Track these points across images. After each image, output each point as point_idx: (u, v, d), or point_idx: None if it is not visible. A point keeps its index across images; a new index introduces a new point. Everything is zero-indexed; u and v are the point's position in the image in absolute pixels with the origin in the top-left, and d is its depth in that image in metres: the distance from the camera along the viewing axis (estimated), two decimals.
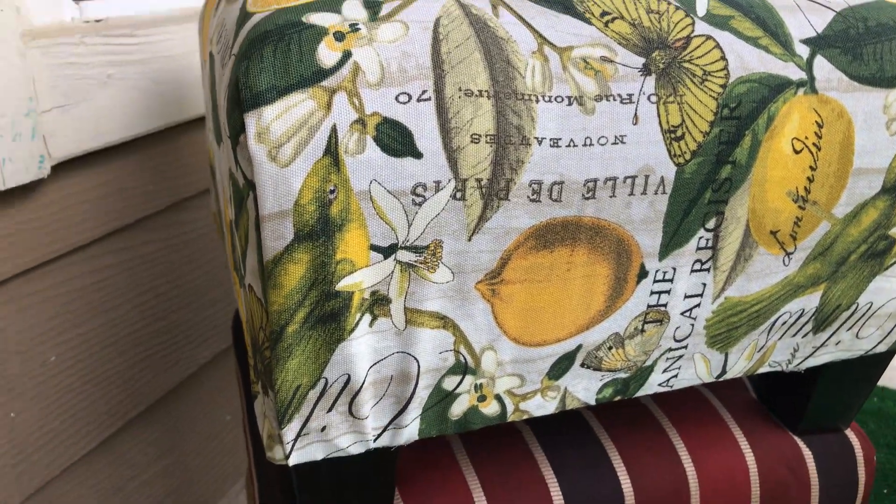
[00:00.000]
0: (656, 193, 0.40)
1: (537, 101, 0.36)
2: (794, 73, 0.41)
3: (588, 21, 0.38)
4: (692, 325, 0.45)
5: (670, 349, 0.46)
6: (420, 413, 0.41)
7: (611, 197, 0.39)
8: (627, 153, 0.38)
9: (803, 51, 0.41)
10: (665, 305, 0.44)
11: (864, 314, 0.50)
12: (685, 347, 0.46)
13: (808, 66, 0.41)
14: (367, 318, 0.37)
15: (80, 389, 0.71)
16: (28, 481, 0.66)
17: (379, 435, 0.41)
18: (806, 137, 0.42)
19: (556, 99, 0.36)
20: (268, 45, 0.33)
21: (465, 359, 0.40)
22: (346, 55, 0.33)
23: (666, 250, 0.42)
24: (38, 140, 0.59)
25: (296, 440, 0.39)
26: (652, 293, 0.43)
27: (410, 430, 0.41)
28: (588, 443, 0.55)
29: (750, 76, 0.40)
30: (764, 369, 0.51)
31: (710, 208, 0.41)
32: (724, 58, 0.40)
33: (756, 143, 0.41)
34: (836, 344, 0.51)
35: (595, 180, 0.38)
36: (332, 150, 0.33)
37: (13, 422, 0.64)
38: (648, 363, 0.46)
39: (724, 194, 0.41)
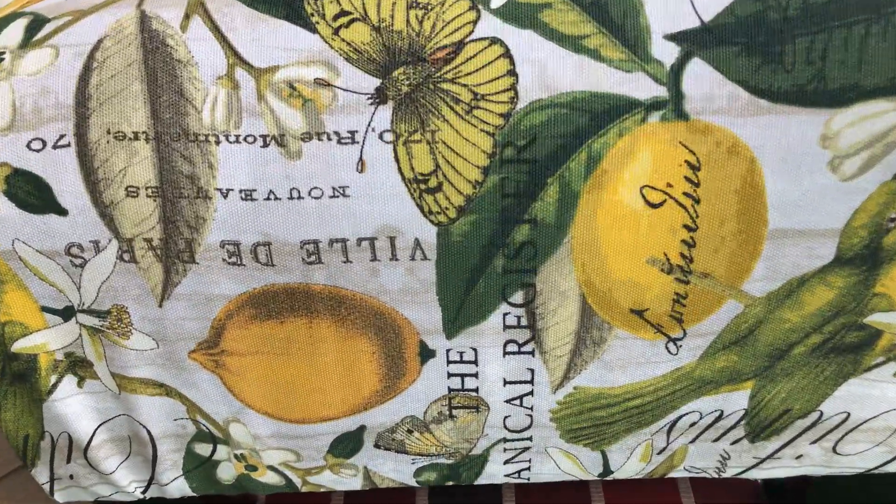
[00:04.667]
0: (413, 259, 0.29)
1: (218, 142, 0.28)
2: (644, 89, 0.27)
3: (313, 28, 0.28)
4: (529, 415, 0.34)
5: (505, 440, 0.35)
6: (182, 474, 0.37)
7: (345, 262, 0.30)
8: (355, 209, 0.28)
9: (666, 52, 0.27)
10: (476, 391, 0.33)
11: (837, 426, 0.34)
12: (528, 440, 0.35)
13: (673, 78, 0.27)
14: (73, 379, 0.33)
15: None
16: None
17: (145, 488, 0.37)
18: (669, 185, 0.28)
19: (245, 139, 0.28)
20: None
21: (207, 428, 0.35)
22: None
23: (454, 327, 0.31)
24: None
25: (51, 482, 0.37)
26: (451, 375, 0.33)
27: (179, 487, 0.37)
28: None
29: (555, 98, 0.27)
30: (678, 473, 0.37)
31: (509, 279, 0.30)
32: (512, 72, 0.27)
33: (570, 195, 0.28)
34: (798, 458, 0.36)
35: (315, 242, 0.29)
36: None
37: None
38: (477, 452, 0.36)
39: (529, 262, 0.29)
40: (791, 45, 0.26)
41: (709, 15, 0.27)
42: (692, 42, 0.27)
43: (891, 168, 0.27)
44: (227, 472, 0.37)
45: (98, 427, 0.35)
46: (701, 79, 0.27)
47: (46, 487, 0.37)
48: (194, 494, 0.38)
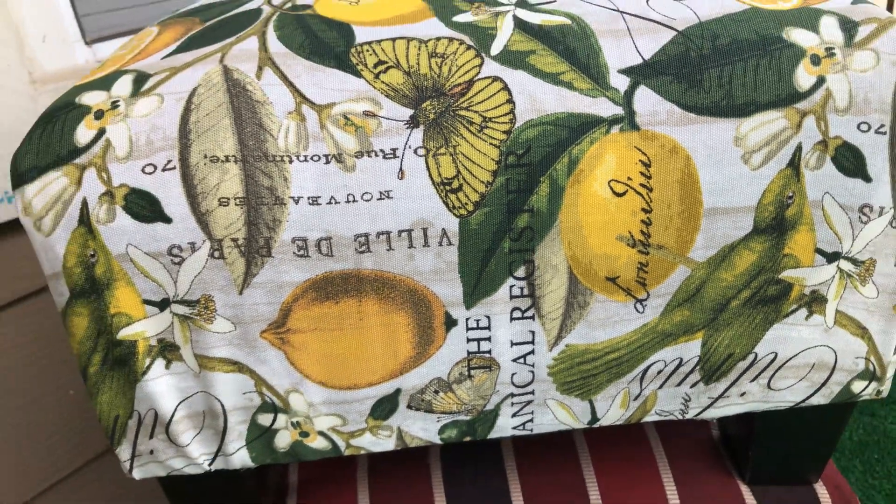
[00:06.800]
0: (441, 245, 0.38)
1: (290, 161, 0.37)
2: (606, 110, 0.37)
3: (358, 74, 0.37)
4: (532, 371, 0.43)
5: (513, 395, 0.44)
6: (245, 444, 0.44)
7: (388, 250, 0.38)
8: (396, 208, 0.37)
9: (620, 83, 0.37)
10: (489, 352, 0.42)
11: (768, 365, 0.44)
12: (531, 393, 0.44)
13: (626, 100, 0.37)
14: (162, 361, 0.41)
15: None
16: None
17: (212, 460, 0.45)
18: (629, 178, 0.38)
19: (312, 158, 0.37)
20: (38, 127, 0.37)
21: (271, 399, 0.42)
22: (101, 133, 0.37)
23: (472, 299, 0.40)
24: None
25: (132, 459, 0.44)
26: (469, 340, 0.41)
27: (241, 458, 0.45)
28: (492, 476, 0.54)
29: (543, 118, 0.37)
30: (651, 418, 0.46)
31: (514, 257, 0.39)
32: (510, 100, 0.37)
33: (557, 190, 0.38)
34: (742, 395, 0.45)
35: (366, 235, 0.38)
36: (84, 220, 0.37)
37: None
38: (490, 407, 0.44)
39: (528, 243, 0.39)
40: (707, 74, 0.37)
41: (648, 54, 0.37)
42: (638, 74, 0.37)
43: (784, 159, 0.38)
44: (284, 440, 0.44)
45: (179, 404, 0.42)
46: (646, 100, 0.37)
47: (126, 466, 0.44)
48: (253, 465, 0.45)
